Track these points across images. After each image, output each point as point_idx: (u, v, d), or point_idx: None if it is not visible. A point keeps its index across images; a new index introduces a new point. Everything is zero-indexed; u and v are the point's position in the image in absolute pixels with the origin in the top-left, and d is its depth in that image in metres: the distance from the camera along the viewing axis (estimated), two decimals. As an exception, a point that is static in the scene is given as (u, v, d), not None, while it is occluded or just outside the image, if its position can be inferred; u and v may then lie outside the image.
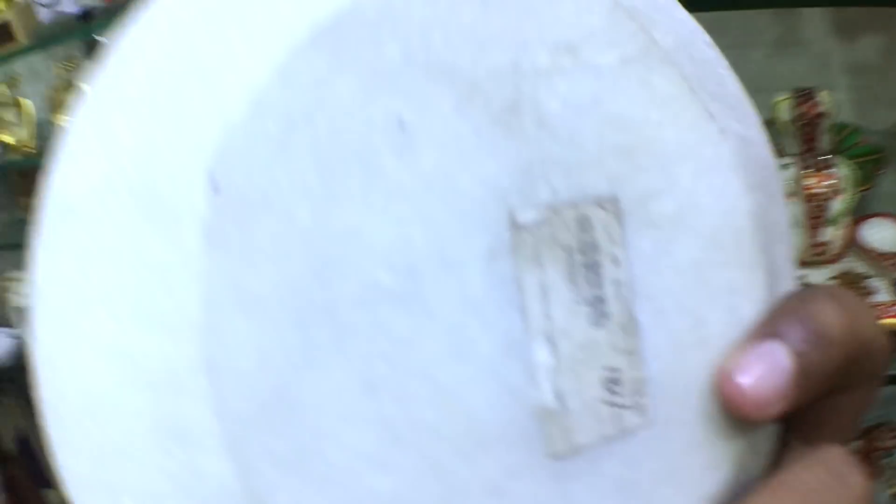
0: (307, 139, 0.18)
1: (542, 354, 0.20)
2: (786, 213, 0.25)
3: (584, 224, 0.20)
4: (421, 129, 0.19)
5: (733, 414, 0.22)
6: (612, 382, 0.21)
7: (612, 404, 0.21)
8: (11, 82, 1.76)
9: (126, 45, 0.19)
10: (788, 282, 0.24)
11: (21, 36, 1.54)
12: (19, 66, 1.73)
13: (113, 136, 0.18)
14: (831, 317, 0.22)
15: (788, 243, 0.25)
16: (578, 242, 0.20)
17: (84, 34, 1.54)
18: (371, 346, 0.18)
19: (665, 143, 0.22)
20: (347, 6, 0.18)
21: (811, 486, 0.20)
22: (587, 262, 0.20)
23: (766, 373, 0.21)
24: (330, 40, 0.18)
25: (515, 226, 0.20)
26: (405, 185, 0.18)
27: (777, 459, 0.23)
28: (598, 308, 0.20)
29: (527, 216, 0.20)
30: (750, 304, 0.23)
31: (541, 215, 0.20)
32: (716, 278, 0.22)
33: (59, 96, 1.66)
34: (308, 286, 0.17)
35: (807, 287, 0.23)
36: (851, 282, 1.01)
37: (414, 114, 0.19)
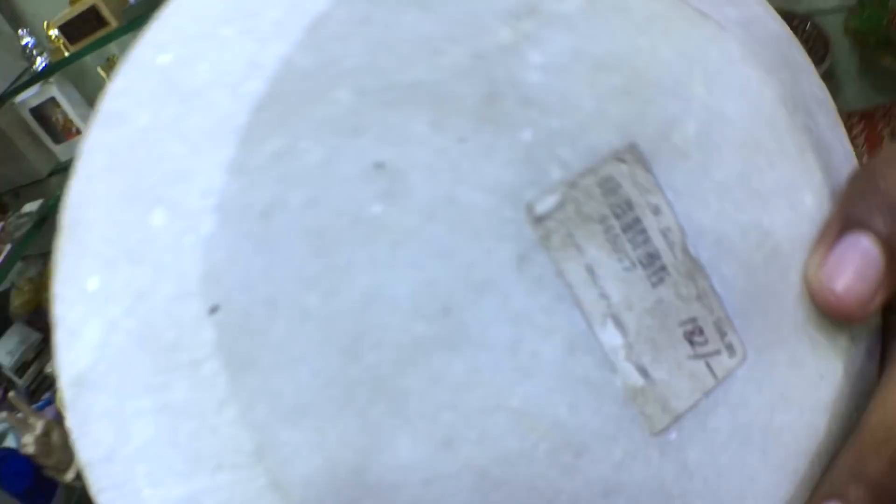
0: (287, 223, 0.17)
1: (610, 337, 0.18)
2: (815, 76, 0.23)
3: (608, 186, 0.19)
4: (401, 162, 0.17)
5: (831, 317, 0.20)
6: (693, 334, 0.19)
7: (700, 356, 0.19)
8: (109, 64, 1.79)
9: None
10: (841, 150, 0.22)
11: (111, 19, 1.57)
12: (114, 48, 1.74)
13: (101, 290, 0.17)
14: None
15: (828, 108, 0.23)
16: (610, 207, 0.19)
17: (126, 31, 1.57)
18: (432, 400, 0.17)
19: (664, 64, 0.20)
20: (279, 69, 0.17)
21: None
22: (626, 224, 0.19)
23: (854, 268, 0.20)
24: (273, 110, 0.17)
25: (537, 219, 0.18)
26: (405, 226, 0.17)
27: (887, 351, 0.21)
28: (653, 265, 0.19)
29: (545, 204, 0.18)
30: (812, 194, 0.21)
31: (559, 197, 0.18)
32: (766, 182, 0.20)
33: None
34: (345, 369, 0.17)
35: (871, 159, 0.21)
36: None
37: (388, 150, 0.17)
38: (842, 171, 0.22)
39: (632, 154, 0.19)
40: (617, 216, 0.19)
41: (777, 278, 0.20)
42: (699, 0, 0.20)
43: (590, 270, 0.18)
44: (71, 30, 1.58)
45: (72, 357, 0.17)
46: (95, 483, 0.17)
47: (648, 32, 0.19)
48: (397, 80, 0.18)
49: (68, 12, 1.56)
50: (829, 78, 1.17)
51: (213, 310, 0.16)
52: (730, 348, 0.20)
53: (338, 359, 0.17)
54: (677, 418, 0.19)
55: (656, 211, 0.19)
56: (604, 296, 0.19)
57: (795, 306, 0.20)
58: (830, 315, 0.20)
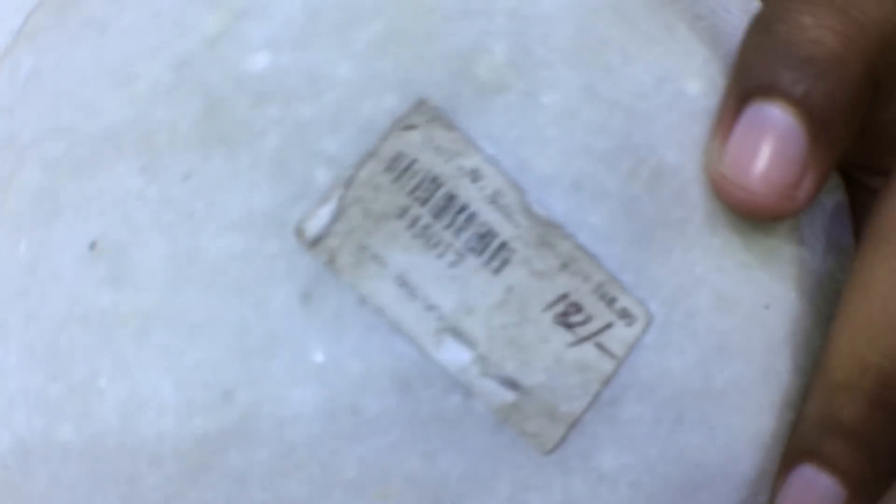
0: (12, 350, 0.14)
1: (453, 356, 0.15)
2: None
3: (399, 166, 0.15)
4: (117, 232, 0.14)
5: (753, 219, 0.16)
6: (568, 315, 0.15)
7: (585, 338, 0.15)
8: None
9: None
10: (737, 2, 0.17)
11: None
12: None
13: None
14: (818, 26, 0.15)
15: None
16: (409, 193, 0.15)
17: None
18: (247, 503, 0.14)
19: None
20: None
21: None
22: (437, 207, 0.15)
23: (766, 147, 0.15)
24: None
25: (312, 242, 0.14)
26: (145, 309, 0.14)
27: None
28: (489, 247, 0.15)
29: (318, 220, 0.14)
30: (695, 79, 0.16)
31: (335, 203, 0.14)
32: (623, 84, 0.16)
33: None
34: (129, 502, 0.14)
35: (770, 3, 0.16)
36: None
37: (97, 223, 0.14)
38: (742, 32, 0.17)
39: (422, 114, 0.15)
40: (422, 202, 0.15)
41: (671, 203, 0.16)
42: None
43: (402, 283, 0.15)
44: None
45: None
46: None
47: None
48: (89, 133, 0.14)
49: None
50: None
51: None
52: (624, 315, 0.15)
53: (116, 490, 0.14)
54: (574, 424, 0.15)
55: (475, 176, 0.15)
56: (431, 308, 0.15)
57: (706, 229, 0.16)
58: (750, 217, 0.16)
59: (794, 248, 0.17)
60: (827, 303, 0.17)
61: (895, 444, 0.15)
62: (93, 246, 0.14)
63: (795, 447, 0.16)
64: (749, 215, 0.16)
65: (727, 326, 0.16)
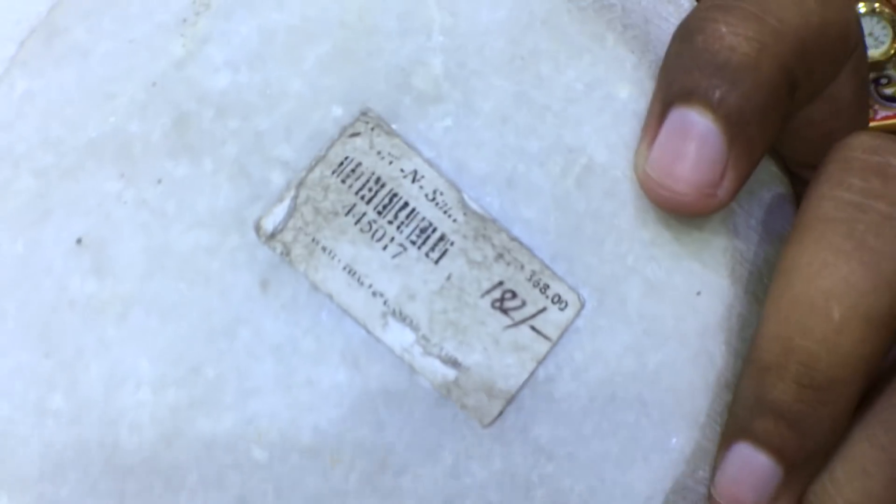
0: (8, 331, 0.17)
1: (397, 337, 0.17)
2: None
3: (346, 169, 0.17)
4: (99, 230, 0.17)
5: (679, 215, 0.17)
6: (504, 300, 0.17)
7: (521, 321, 0.17)
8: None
9: None
10: (672, 10, 0.19)
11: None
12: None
13: None
14: (734, 34, 0.16)
15: None
16: (355, 193, 0.17)
17: None
18: (213, 465, 0.16)
19: (380, 4, 0.17)
20: None
21: (844, 199, 0.16)
22: (380, 204, 0.17)
23: (687, 149, 0.16)
24: None
25: (269, 236, 0.16)
26: (124, 295, 0.16)
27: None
28: (429, 238, 0.17)
29: (274, 217, 0.16)
30: (626, 84, 0.18)
31: (289, 203, 0.17)
32: (554, 92, 0.17)
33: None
34: (112, 461, 0.17)
35: (692, 13, 0.17)
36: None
37: (82, 222, 0.16)
38: None
39: (365, 122, 0.17)
40: (367, 200, 0.17)
41: (601, 199, 0.17)
42: None
43: (350, 271, 0.17)
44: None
45: None
46: None
47: None
48: (74, 145, 0.16)
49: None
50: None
51: None
52: (558, 300, 0.17)
53: (101, 453, 0.16)
54: (511, 399, 0.17)
55: (415, 177, 0.17)
56: (376, 294, 0.17)
57: (636, 222, 0.17)
58: (675, 214, 0.17)
59: (725, 238, 0.18)
60: (764, 289, 0.19)
61: (826, 423, 0.16)
62: (79, 241, 0.17)
63: (732, 426, 0.17)
64: (674, 212, 0.17)
65: (658, 312, 0.18)
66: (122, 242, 0.17)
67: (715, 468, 0.18)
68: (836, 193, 0.16)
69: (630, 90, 0.18)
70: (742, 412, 0.17)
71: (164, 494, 0.16)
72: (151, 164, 0.17)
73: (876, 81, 0.77)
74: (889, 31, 0.81)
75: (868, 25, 0.76)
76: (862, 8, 0.77)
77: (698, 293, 0.18)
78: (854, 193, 0.16)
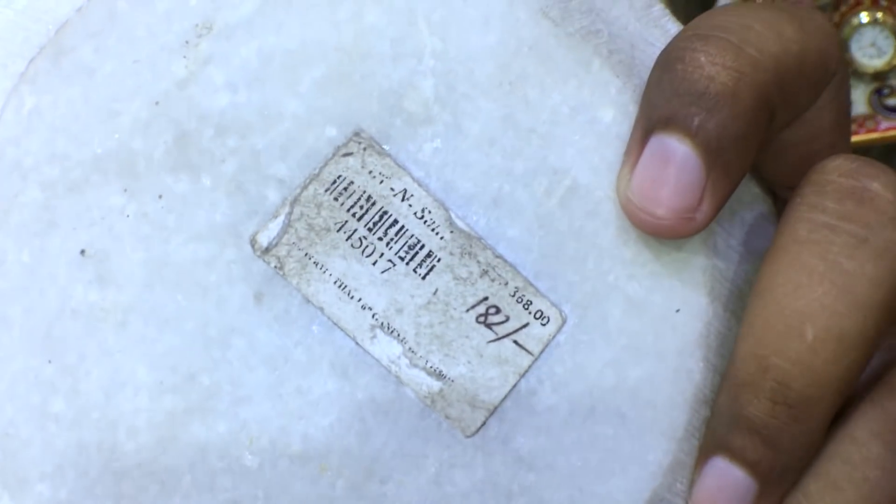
0: (13, 338, 0.18)
1: (385, 349, 0.18)
2: None
3: (338, 187, 0.18)
4: (102, 242, 0.18)
5: (659, 238, 0.18)
6: (488, 315, 0.18)
7: (504, 336, 0.18)
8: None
9: None
10: (659, 34, 0.20)
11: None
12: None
13: None
14: (712, 63, 0.17)
15: None
16: (347, 210, 0.18)
17: None
18: (205, 469, 0.17)
19: (374, 30, 0.18)
20: None
21: (819, 221, 0.17)
22: (371, 222, 0.18)
23: (670, 178, 0.17)
24: None
25: (264, 251, 0.17)
26: (124, 305, 0.17)
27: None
28: (416, 256, 0.18)
29: (269, 232, 0.18)
30: (609, 108, 0.19)
31: (283, 219, 0.18)
32: (541, 115, 0.18)
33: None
34: (108, 464, 0.18)
35: (672, 42, 0.18)
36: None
37: (86, 234, 0.18)
38: None
39: (358, 142, 0.18)
40: (357, 217, 0.18)
41: (584, 219, 0.18)
42: None
43: (341, 285, 0.18)
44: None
45: None
46: None
47: (348, 1, 0.18)
48: (79, 160, 0.17)
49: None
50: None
51: None
52: (539, 316, 0.18)
53: (99, 456, 0.17)
54: (493, 411, 0.18)
55: (404, 196, 0.18)
56: (365, 307, 0.18)
57: (618, 241, 0.18)
58: (657, 236, 0.18)
59: (705, 257, 0.19)
60: (743, 307, 0.20)
61: (799, 439, 0.17)
62: (82, 252, 0.18)
63: (708, 441, 0.18)
64: (654, 235, 0.18)
65: (638, 328, 0.19)
66: (123, 254, 0.18)
67: (692, 482, 0.18)
68: (811, 216, 0.17)
69: (614, 114, 0.19)
70: (719, 427, 0.18)
71: (159, 497, 0.17)
72: (153, 180, 0.18)
73: (879, 92, 0.77)
74: (892, 41, 0.81)
75: (871, 35, 0.76)
76: (865, 18, 0.78)
77: (677, 311, 0.19)
78: (828, 216, 0.17)
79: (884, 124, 0.75)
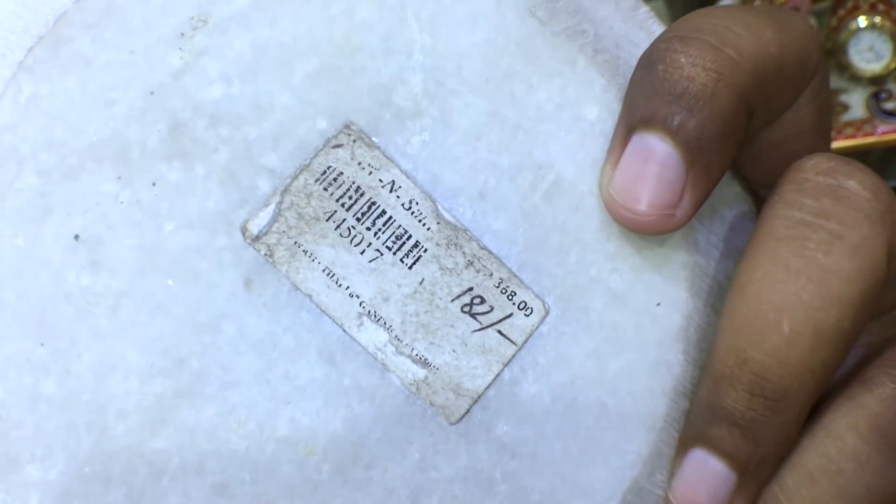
0: (6, 321, 0.18)
1: (371, 336, 0.18)
2: None
3: (328, 178, 0.19)
4: (96, 228, 0.19)
5: (639, 233, 0.19)
6: (473, 305, 0.19)
7: (488, 326, 0.19)
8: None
9: None
10: (643, 36, 0.20)
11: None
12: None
13: None
14: (692, 64, 0.18)
15: None
16: (336, 200, 0.18)
17: None
18: (193, 451, 0.18)
19: (365, 26, 0.19)
20: None
21: (795, 218, 0.17)
22: (359, 212, 0.19)
23: (647, 173, 0.18)
24: None
25: (254, 238, 0.18)
26: (116, 289, 0.18)
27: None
28: (403, 246, 0.19)
29: (259, 221, 0.18)
30: (594, 105, 0.20)
31: (273, 208, 0.18)
32: (526, 111, 0.19)
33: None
34: (99, 445, 0.18)
35: (653, 44, 0.19)
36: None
37: (80, 220, 0.18)
38: None
39: (348, 134, 0.19)
40: (346, 207, 0.19)
41: (567, 213, 0.19)
42: None
43: (329, 273, 0.18)
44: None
45: None
46: None
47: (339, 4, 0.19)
48: (75, 147, 0.18)
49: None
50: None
51: None
52: (523, 307, 0.19)
53: (89, 437, 0.18)
54: (477, 399, 0.19)
55: (392, 187, 0.19)
56: (353, 295, 0.18)
57: (601, 235, 0.19)
58: (638, 232, 0.19)
59: (686, 254, 0.20)
60: (722, 302, 0.20)
61: (777, 431, 0.18)
62: (76, 238, 0.18)
63: (688, 432, 0.19)
64: (635, 231, 0.19)
65: (620, 321, 0.19)
66: (116, 240, 0.18)
67: (671, 473, 0.19)
68: (788, 213, 0.18)
69: (598, 111, 0.20)
70: (698, 419, 0.19)
71: (148, 478, 0.18)
72: (147, 168, 0.18)
73: (876, 96, 0.78)
74: (890, 46, 0.82)
75: (869, 40, 0.77)
76: (863, 22, 0.79)
77: (658, 304, 0.20)
78: (805, 213, 0.17)
79: (881, 128, 0.76)
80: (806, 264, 0.17)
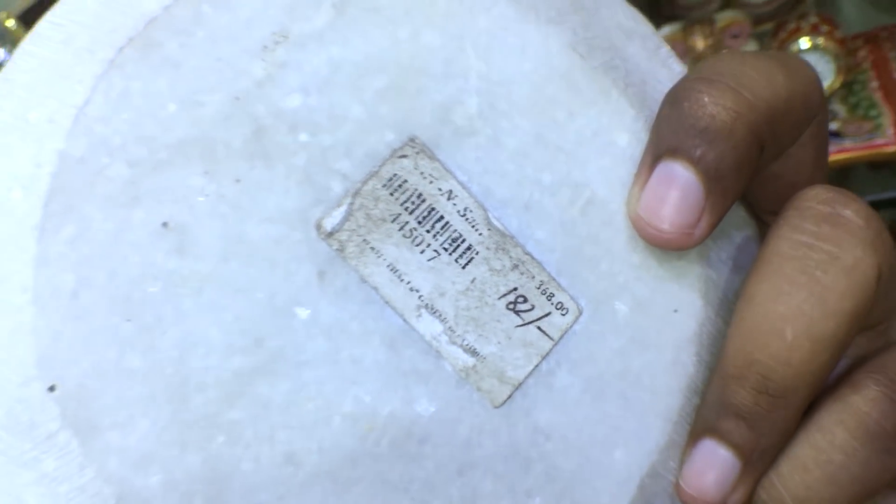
0: (95, 298, 0.20)
1: (428, 327, 0.21)
2: (622, 5, 0.24)
3: (394, 184, 0.21)
4: (183, 217, 0.21)
5: (663, 249, 0.22)
6: (517, 303, 0.21)
7: (529, 322, 0.21)
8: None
9: None
10: (666, 75, 0.24)
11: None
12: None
13: None
14: (714, 104, 0.21)
15: (643, 35, 0.24)
16: (400, 204, 0.21)
17: None
18: (266, 423, 0.20)
19: (429, 50, 0.22)
20: (57, 163, 0.20)
21: (798, 240, 0.21)
22: (421, 216, 0.21)
23: (672, 197, 0.21)
24: (59, 202, 0.20)
25: (328, 234, 0.21)
26: (201, 273, 0.20)
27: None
28: (458, 248, 0.21)
29: (333, 219, 0.21)
30: (625, 133, 0.23)
31: (346, 208, 0.21)
32: (567, 135, 0.22)
33: None
34: (178, 414, 0.20)
35: (680, 83, 0.22)
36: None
37: (169, 209, 0.20)
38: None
39: (412, 147, 0.21)
40: (409, 211, 0.21)
41: (600, 227, 0.22)
42: None
43: (393, 269, 0.21)
44: (31, 18, 1.60)
45: None
46: None
47: (408, 23, 0.22)
48: (165, 143, 0.20)
49: (25, 0, 1.59)
50: (826, 1, 1.14)
51: (52, 388, 0.20)
52: (560, 307, 0.22)
53: (169, 407, 0.20)
54: (518, 386, 0.21)
55: (450, 195, 0.21)
56: (413, 290, 0.21)
57: (628, 248, 0.22)
58: (661, 247, 0.22)
59: (700, 267, 0.23)
60: (730, 312, 0.24)
61: (778, 424, 0.21)
62: (164, 225, 0.20)
63: (699, 425, 0.22)
64: (658, 247, 0.22)
65: (642, 324, 0.22)
66: (202, 228, 0.21)
67: (682, 461, 0.22)
68: (792, 235, 0.21)
69: (629, 139, 0.23)
70: (708, 413, 0.22)
71: (223, 446, 0.20)
72: (232, 166, 0.21)
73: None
74: (832, 66, 0.87)
75: (811, 61, 0.83)
76: (806, 44, 0.84)
77: (675, 311, 0.23)
78: (807, 236, 0.20)
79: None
80: (807, 280, 0.20)
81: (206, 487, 0.20)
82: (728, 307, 0.24)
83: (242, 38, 0.22)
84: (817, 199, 0.21)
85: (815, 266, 0.20)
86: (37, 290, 0.20)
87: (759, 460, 0.21)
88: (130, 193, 0.21)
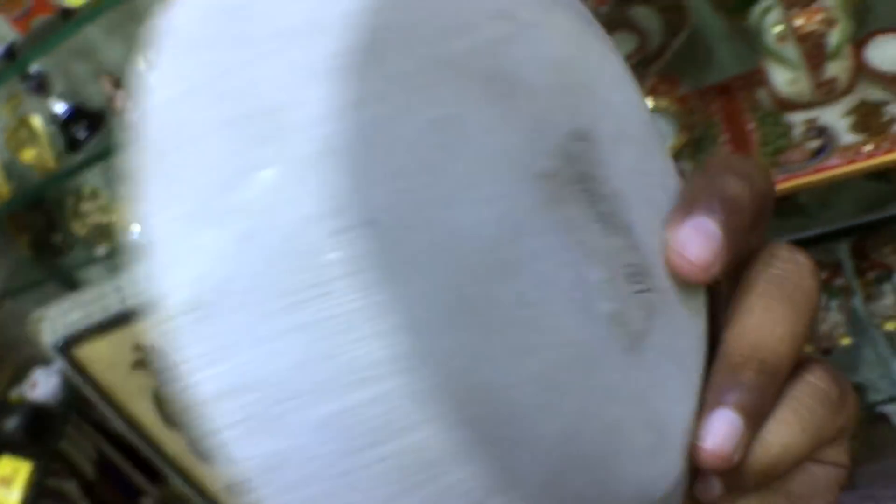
0: (409, 136, 0.22)
1: (598, 273, 0.25)
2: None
3: (574, 156, 0.26)
4: (456, 122, 0.23)
5: (684, 279, 0.30)
6: (633, 276, 0.27)
7: (640, 292, 0.27)
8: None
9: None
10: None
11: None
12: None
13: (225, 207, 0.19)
14: (736, 187, 0.29)
15: None
16: (579, 174, 0.26)
17: (16, 70, 1.82)
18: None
19: (589, 70, 0.28)
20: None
21: (775, 273, 0.29)
22: (588, 187, 0.26)
23: (700, 241, 0.28)
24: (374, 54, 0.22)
25: (546, 177, 0.25)
26: (473, 170, 0.23)
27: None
28: (604, 221, 0.27)
29: (550, 165, 0.25)
30: (671, 179, 0.31)
31: (555, 162, 0.25)
32: (652, 168, 0.30)
33: (17, 135, 1.97)
34: (464, 284, 0.21)
35: (709, 160, 0.31)
36: (869, 112, 1.04)
37: (446, 108, 0.23)
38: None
39: (586, 136, 0.27)
40: (582, 181, 0.26)
41: (662, 241, 0.29)
42: (592, 21, 0.29)
43: (578, 220, 0.26)
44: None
45: (184, 280, 0.19)
46: (228, 415, 0.19)
47: (575, 44, 0.28)
48: (441, 53, 0.23)
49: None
50: (695, 46, 1.20)
51: (361, 224, 0.19)
52: (653, 289, 0.28)
53: (458, 276, 0.22)
54: (636, 337, 0.27)
55: (603, 181, 0.27)
56: (582, 242, 0.26)
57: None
58: (683, 277, 0.29)
59: (703, 294, 0.31)
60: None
61: (772, 393, 0.27)
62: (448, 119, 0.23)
63: (713, 399, 0.29)
64: (684, 278, 0.30)
65: (683, 316, 0.29)
66: (464, 133, 0.24)
67: (697, 431, 0.29)
68: (770, 270, 0.29)
69: (673, 182, 0.31)
70: (719, 390, 0.29)
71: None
72: (482, 98, 0.25)
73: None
74: (673, 126, 0.92)
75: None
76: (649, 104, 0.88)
77: (698, 313, 0.30)
78: (780, 271, 0.29)
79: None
80: (784, 298, 0.28)
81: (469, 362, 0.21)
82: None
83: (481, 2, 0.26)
84: (781, 249, 0.31)
85: (788, 289, 0.28)
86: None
87: (756, 420, 0.27)
88: (427, 85, 0.23)
